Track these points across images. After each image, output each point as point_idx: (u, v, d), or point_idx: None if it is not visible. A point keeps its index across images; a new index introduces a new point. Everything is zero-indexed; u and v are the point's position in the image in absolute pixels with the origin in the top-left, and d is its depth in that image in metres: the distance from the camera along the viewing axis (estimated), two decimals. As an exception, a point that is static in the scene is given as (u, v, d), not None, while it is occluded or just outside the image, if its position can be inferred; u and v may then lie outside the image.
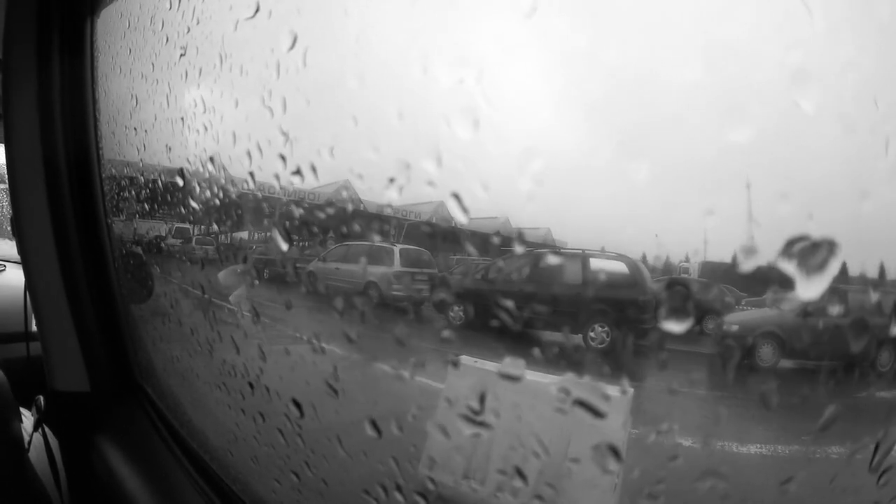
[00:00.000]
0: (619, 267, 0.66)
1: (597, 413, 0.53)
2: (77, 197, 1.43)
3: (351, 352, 0.74)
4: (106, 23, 1.34)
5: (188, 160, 0.88)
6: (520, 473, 0.66)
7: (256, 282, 0.98)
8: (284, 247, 0.72)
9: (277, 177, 0.65)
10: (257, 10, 0.67)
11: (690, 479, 0.54)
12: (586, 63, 0.48)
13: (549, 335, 0.63)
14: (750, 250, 0.45)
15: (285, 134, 0.64)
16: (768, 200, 0.43)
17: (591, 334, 0.69)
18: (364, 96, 0.58)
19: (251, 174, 0.70)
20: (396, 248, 0.84)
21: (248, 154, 0.70)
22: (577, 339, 0.65)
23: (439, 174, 0.52)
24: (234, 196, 0.83)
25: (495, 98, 0.48)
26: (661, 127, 0.50)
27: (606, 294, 0.66)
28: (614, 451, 0.58)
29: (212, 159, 0.80)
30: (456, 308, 0.74)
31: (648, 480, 0.58)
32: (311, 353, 0.78)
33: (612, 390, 0.56)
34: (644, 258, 0.64)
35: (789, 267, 0.43)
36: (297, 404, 0.76)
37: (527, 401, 0.65)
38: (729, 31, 0.43)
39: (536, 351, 0.61)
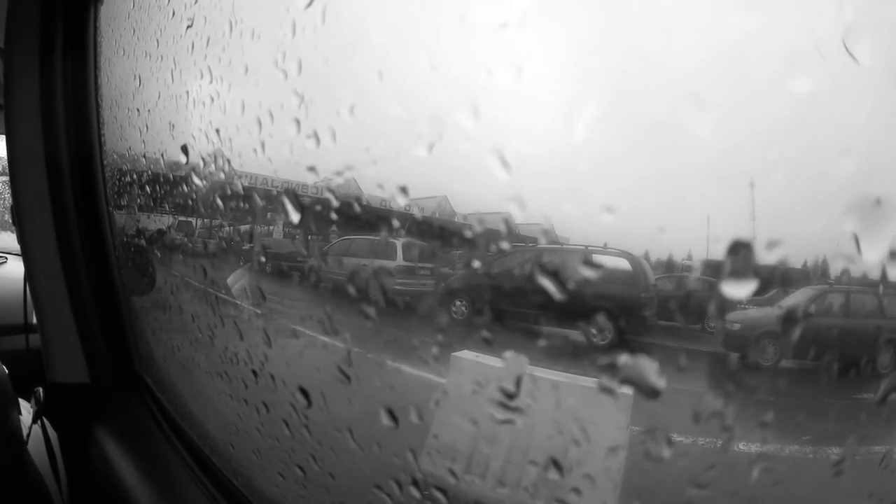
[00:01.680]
0: (622, 263, 0.65)
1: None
2: (78, 187, 1.41)
3: (353, 346, 0.73)
4: (110, 7, 1.32)
5: (192, 135, 0.85)
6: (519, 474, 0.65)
7: (259, 274, 0.96)
8: (295, 219, 0.69)
9: (290, 144, 0.61)
10: (272, -30, 0.63)
11: (687, 479, 0.54)
12: (627, 13, 0.45)
13: (550, 330, 0.62)
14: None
15: (300, 96, 0.61)
16: (830, 157, 0.41)
17: (593, 330, 0.67)
18: (391, 50, 0.54)
19: (262, 143, 0.67)
20: (399, 243, 0.82)
21: (258, 121, 0.66)
22: (579, 335, 0.64)
23: (476, 128, 0.48)
24: (238, 181, 0.81)
25: (542, 44, 0.45)
26: (666, 122, 0.49)
27: (609, 290, 0.65)
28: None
29: (217, 131, 0.77)
30: (458, 303, 0.73)
31: (648, 481, 0.57)
32: (316, 348, 0.76)
33: (614, 388, 0.55)
34: (647, 255, 0.64)
35: (852, 228, 0.41)
36: (305, 393, 0.73)
37: (529, 398, 0.63)
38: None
39: (538, 346, 0.61)
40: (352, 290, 0.72)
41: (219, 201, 0.84)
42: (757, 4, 0.40)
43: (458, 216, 0.67)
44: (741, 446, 0.56)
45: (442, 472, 0.69)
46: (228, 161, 0.77)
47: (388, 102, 0.53)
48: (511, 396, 0.59)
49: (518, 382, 0.59)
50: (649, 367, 0.51)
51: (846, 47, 0.38)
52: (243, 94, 0.70)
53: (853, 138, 0.40)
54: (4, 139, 1.42)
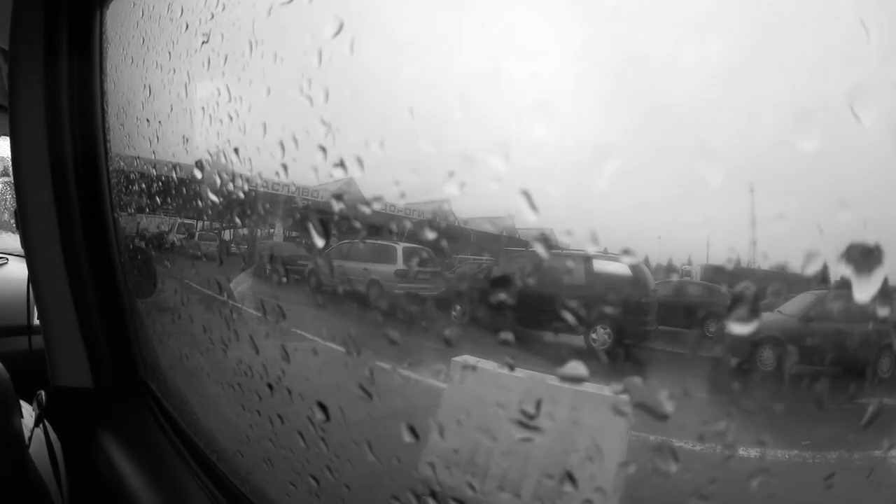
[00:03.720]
0: (622, 268, 0.64)
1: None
2: (83, 190, 1.41)
3: (352, 351, 0.73)
4: (116, 14, 1.31)
5: (208, 152, 0.85)
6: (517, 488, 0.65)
7: (260, 277, 0.96)
8: (320, 242, 0.70)
9: (315, 169, 0.61)
10: (296, -6, 0.63)
11: (689, 482, 0.54)
12: (650, 66, 0.46)
13: (550, 335, 0.62)
14: (811, 255, 0.44)
15: (327, 124, 0.61)
16: (831, 208, 0.43)
17: (593, 335, 0.68)
18: (422, 86, 0.55)
19: (284, 166, 0.67)
20: (399, 247, 0.82)
21: (281, 145, 0.66)
22: (579, 340, 0.64)
23: (507, 170, 0.49)
24: (245, 192, 0.81)
25: (571, 94, 0.46)
26: (672, 128, 0.49)
27: (609, 295, 0.66)
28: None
29: (236, 150, 0.77)
30: (458, 307, 0.72)
31: (646, 484, 0.58)
32: (317, 355, 0.76)
33: (614, 393, 0.56)
34: (647, 260, 0.63)
35: (847, 270, 0.43)
36: (323, 407, 0.73)
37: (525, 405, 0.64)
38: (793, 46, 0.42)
39: (537, 350, 0.61)
40: (352, 294, 0.72)
41: (233, 216, 0.84)
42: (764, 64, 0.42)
43: (459, 220, 0.67)
44: (742, 451, 0.56)
45: (442, 478, 0.69)
46: (247, 181, 0.77)
47: (419, 138, 0.53)
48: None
49: (537, 402, 0.60)
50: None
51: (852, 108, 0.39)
52: (265, 116, 0.70)
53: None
54: (8, 140, 1.41)
